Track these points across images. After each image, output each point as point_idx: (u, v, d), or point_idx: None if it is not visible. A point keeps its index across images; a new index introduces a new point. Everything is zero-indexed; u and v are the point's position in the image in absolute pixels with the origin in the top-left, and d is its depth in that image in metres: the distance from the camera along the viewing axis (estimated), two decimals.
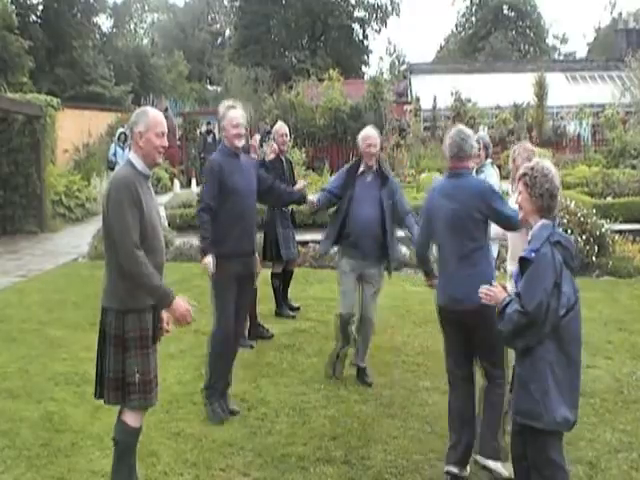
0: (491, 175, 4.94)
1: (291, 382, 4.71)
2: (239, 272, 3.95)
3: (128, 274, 2.79)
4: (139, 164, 2.92)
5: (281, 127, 6.24)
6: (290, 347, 5.46)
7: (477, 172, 5.33)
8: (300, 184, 5.98)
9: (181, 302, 2.87)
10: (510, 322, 2.61)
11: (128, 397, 2.87)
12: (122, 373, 2.85)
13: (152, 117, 2.93)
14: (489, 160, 5.36)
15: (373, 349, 5.35)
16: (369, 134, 4.63)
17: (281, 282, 6.43)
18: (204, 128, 18.37)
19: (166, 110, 18.96)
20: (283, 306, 6.46)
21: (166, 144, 2.95)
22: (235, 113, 4.02)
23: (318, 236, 10.33)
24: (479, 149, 5.28)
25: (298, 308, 6.64)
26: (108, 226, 2.85)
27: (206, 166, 4.20)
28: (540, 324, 2.56)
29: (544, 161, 2.74)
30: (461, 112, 19.86)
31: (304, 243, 9.60)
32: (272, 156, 5.82)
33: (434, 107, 20.95)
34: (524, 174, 2.71)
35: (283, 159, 6.16)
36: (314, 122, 19.64)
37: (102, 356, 2.91)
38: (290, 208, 6.13)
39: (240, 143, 4.04)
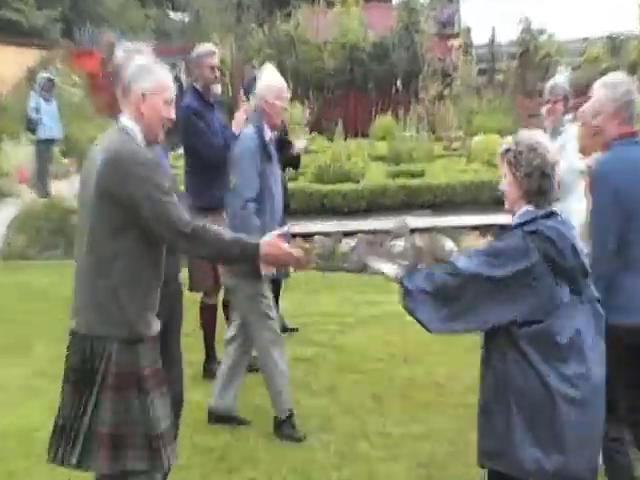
0: (572, 138, 4.96)
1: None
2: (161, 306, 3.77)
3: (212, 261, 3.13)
4: (139, 136, 2.99)
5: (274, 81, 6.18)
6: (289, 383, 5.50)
7: (553, 133, 5.36)
8: (300, 143, 5.95)
9: (271, 243, 2.99)
10: (429, 282, 2.85)
11: (141, 461, 2.87)
12: (125, 426, 2.87)
13: (161, 76, 3.07)
14: (570, 116, 5.37)
15: (405, 386, 5.43)
16: (283, 83, 4.77)
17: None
18: None
19: (113, 47, 19.03)
20: None
21: (173, 117, 3.08)
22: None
23: (328, 226, 10.48)
24: (554, 101, 5.34)
25: (295, 329, 6.72)
26: (107, 217, 2.88)
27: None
28: (463, 301, 2.76)
29: (533, 132, 2.98)
30: (531, 48, 19.79)
31: (306, 236, 9.67)
32: (236, 129, 5.37)
33: (492, 42, 20.86)
34: (507, 150, 2.94)
35: None
36: (322, 65, 19.63)
37: (83, 403, 2.89)
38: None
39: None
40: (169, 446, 2.94)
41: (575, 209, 4.50)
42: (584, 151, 3.90)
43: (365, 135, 16.23)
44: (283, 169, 5.46)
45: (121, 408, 2.86)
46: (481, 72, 20.49)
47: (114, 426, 2.84)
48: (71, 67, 19.20)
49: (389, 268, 3.09)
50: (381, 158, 13.18)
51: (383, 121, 16.21)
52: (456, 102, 17.56)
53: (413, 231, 9.61)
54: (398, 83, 18.64)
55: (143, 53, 3.76)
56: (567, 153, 5.08)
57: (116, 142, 2.94)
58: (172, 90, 3.09)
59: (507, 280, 2.72)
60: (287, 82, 6.49)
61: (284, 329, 6.58)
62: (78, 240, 3.01)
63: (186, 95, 5.61)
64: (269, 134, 4.69)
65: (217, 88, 5.56)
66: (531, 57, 19.43)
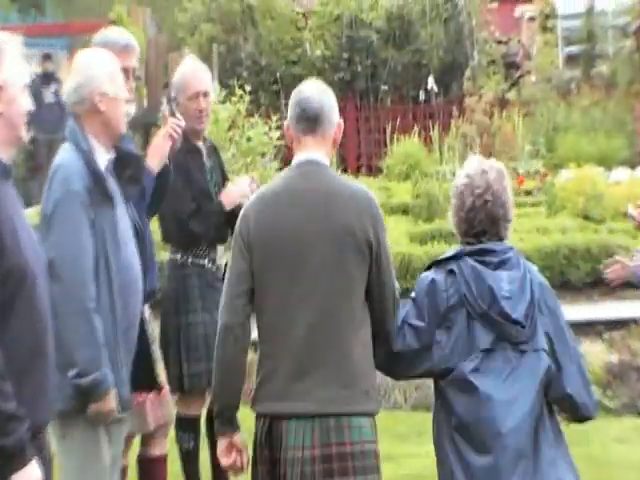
0: None
1: None
2: None
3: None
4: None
5: (190, 76, 6.46)
6: None
7: None
8: (241, 185, 6.28)
9: None
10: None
11: None
12: None
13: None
14: None
15: None
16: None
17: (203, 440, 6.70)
18: (36, 68, 18.79)
19: None
20: None
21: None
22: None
23: None
24: None
25: None
26: (362, 275, 4.13)
27: None
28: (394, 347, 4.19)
29: (475, 164, 4.31)
30: None
31: None
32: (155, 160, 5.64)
33: (590, 11, 21.22)
34: None
35: (202, 148, 6.52)
36: (300, 53, 19.90)
37: None
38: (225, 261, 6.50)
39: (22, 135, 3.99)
40: None
41: None
42: None
43: (375, 171, 16.34)
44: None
45: None
46: (571, 60, 20.77)
47: None
48: None
49: None
50: (403, 210, 13.52)
51: (405, 147, 16.45)
52: (530, 112, 17.72)
53: None
54: (430, 82, 18.87)
55: (12, 44, 3.88)
56: None
57: (342, 179, 4.38)
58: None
59: (424, 327, 4.04)
60: (242, 82, 6.58)
61: None
62: (300, 295, 4.05)
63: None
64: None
65: (130, 107, 5.46)
66: None
